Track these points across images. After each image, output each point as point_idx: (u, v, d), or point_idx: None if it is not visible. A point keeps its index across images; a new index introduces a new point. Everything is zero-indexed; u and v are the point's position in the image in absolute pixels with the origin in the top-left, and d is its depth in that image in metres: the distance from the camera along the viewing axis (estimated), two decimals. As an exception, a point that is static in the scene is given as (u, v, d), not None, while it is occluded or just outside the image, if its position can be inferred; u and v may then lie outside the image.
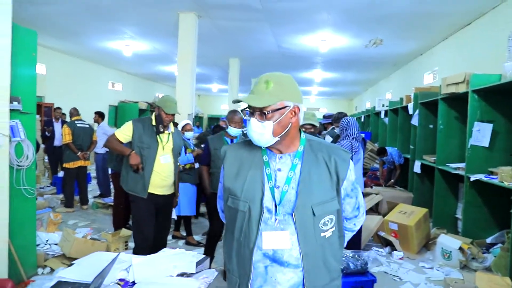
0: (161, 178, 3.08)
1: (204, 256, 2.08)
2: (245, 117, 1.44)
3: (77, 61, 11.54)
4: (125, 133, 3.10)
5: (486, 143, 4.27)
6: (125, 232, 4.31)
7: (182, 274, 1.88)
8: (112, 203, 6.05)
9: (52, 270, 3.58)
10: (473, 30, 6.54)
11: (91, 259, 2.18)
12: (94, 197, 6.89)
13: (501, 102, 4.26)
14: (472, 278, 3.39)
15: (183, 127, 4.80)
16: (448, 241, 4.11)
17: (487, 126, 4.28)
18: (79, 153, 6.00)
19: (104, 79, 13.32)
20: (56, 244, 4.05)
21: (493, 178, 3.97)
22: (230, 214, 1.41)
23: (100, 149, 6.57)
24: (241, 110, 1.39)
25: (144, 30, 8.31)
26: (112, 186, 6.15)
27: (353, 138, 3.80)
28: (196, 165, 4.75)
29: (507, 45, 4.23)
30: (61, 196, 6.53)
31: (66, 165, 6.06)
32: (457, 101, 5.05)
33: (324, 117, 5.42)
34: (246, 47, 9.55)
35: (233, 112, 3.52)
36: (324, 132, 5.37)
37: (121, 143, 3.10)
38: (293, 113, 1.35)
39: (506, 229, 4.06)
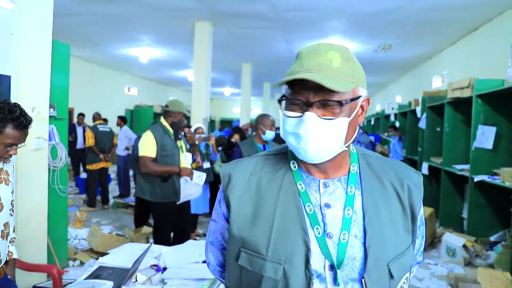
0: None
1: (225, 246, 2.35)
2: (283, 112, 0.87)
3: (95, 67, 12.00)
4: (152, 147, 3.11)
5: (489, 146, 4.46)
6: (146, 229, 4.62)
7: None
8: (133, 203, 6.40)
9: (82, 262, 3.90)
10: (481, 35, 6.71)
11: (125, 249, 2.47)
12: (114, 197, 7.23)
13: (504, 106, 4.44)
14: (474, 274, 3.58)
15: (195, 130, 5.06)
16: (453, 239, 4.31)
17: (491, 129, 4.47)
18: (101, 155, 6.34)
19: (120, 84, 13.78)
20: (84, 239, 4.38)
21: (496, 179, 4.16)
22: (245, 280, 0.88)
23: (121, 151, 6.92)
24: (279, 101, 0.85)
25: (160, 38, 8.68)
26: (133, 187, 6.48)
27: (358, 142, 3.99)
28: (205, 165, 5.00)
29: (510, 51, 4.42)
30: (83, 196, 6.89)
31: (89, 166, 6.41)
32: (462, 105, 5.24)
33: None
34: (258, 53, 9.86)
35: (264, 115, 3.53)
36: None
37: (154, 159, 3.13)
38: (362, 109, 0.89)
39: (508, 228, 4.24)
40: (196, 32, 7.06)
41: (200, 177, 3.35)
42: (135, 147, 5.16)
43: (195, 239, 5.12)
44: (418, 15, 6.30)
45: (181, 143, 3.39)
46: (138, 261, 1.98)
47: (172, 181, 3.18)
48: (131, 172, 7.43)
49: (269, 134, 3.46)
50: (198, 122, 6.28)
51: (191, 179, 3.25)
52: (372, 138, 7.88)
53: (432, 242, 4.76)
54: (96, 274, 1.97)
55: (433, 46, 8.26)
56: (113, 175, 8.75)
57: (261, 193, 0.89)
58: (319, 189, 0.88)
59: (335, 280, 0.82)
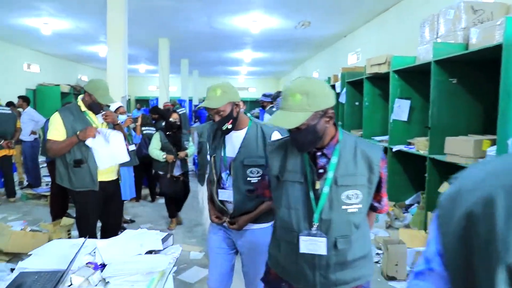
0: None
1: (167, 233, 2.18)
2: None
3: (-16, 40, 10.35)
4: (57, 129, 2.81)
5: (405, 118, 4.83)
6: (66, 220, 4.17)
7: (150, 252, 1.97)
8: (44, 193, 5.76)
9: (-11, 267, 3.40)
10: (392, 14, 7.16)
11: (49, 248, 2.16)
12: (22, 188, 6.44)
13: (416, 81, 4.82)
14: (397, 235, 3.91)
15: (116, 110, 4.66)
16: (375, 206, 4.63)
17: (406, 102, 4.83)
18: (2, 142, 5.54)
19: (18, 60, 12.11)
20: (-12, 240, 3.80)
21: (411, 148, 4.54)
22: None
23: (27, 136, 6.13)
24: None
25: (66, 7, 7.72)
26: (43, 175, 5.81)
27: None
28: (131, 147, 4.65)
29: (420, 31, 4.76)
30: (-18, 189, 6.01)
31: (-13, 155, 5.57)
32: (380, 80, 5.57)
33: (264, 95, 5.62)
34: (176, 27, 9.35)
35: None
36: (262, 110, 5.58)
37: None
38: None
39: (421, 191, 4.68)
40: (109, 2, 6.41)
41: (108, 135, 2.89)
42: (45, 131, 4.61)
43: (127, 222, 4.82)
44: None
45: (97, 124, 3.01)
46: (73, 260, 1.74)
47: (86, 166, 2.83)
48: (41, 159, 6.65)
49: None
50: (116, 101, 5.77)
51: (81, 162, 2.81)
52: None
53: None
54: (18, 284, 1.67)
55: (348, 24, 8.63)
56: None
57: None
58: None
59: None
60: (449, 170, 3.89)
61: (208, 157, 2.14)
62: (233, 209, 2.02)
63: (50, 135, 2.82)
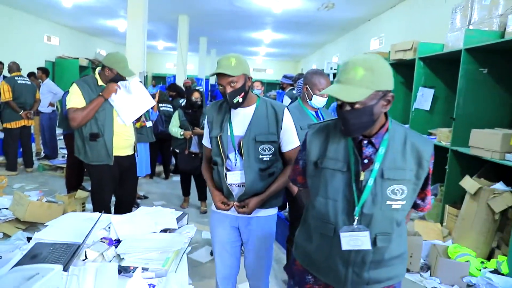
0: (124, 139, 2.95)
1: (182, 212, 2.16)
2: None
3: (6, 9, 10.39)
4: (78, 98, 2.78)
5: (427, 107, 4.67)
6: (81, 193, 4.22)
7: (165, 230, 1.95)
8: (61, 165, 5.84)
9: (6, 235, 3.46)
10: (418, 0, 6.88)
11: (64, 220, 2.16)
12: (39, 159, 6.55)
13: (442, 69, 4.63)
14: (412, 226, 3.83)
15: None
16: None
17: (429, 91, 4.67)
18: (21, 112, 5.60)
19: (38, 32, 12.17)
20: (6, 209, 3.87)
21: (432, 139, 4.40)
22: None
23: (45, 107, 6.18)
24: None
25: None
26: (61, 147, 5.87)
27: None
28: (148, 124, 4.65)
29: (450, 17, 4.56)
30: (1, 158, 6.12)
31: (7, 125, 5.63)
32: (403, 67, 5.39)
33: (285, 77, 5.48)
34: (196, 4, 9.21)
35: (316, 73, 2.54)
36: (282, 92, 5.46)
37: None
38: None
39: (439, 183, 4.57)
40: (130, -25, 6.32)
41: (128, 86, 2.90)
42: (63, 104, 4.62)
43: (140, 198, 4.87)
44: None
45: None
46: (88, 234, 1.73)
47: (102, 140, 2.82)
48: (58, 131, 6.73)
49: (318, 101, 2.50)
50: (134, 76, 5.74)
51: (98, 136, 2.80)
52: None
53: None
54: (34, 254, 1.66)
55: (373, 8, 8.35)
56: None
57: None
58: None
59: None
60: (471, 163, 3.77)
61: (207, 139, 2.04)
62: (244, 191, 1.91)
63: (71, 104, 2.79)
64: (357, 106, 1.23)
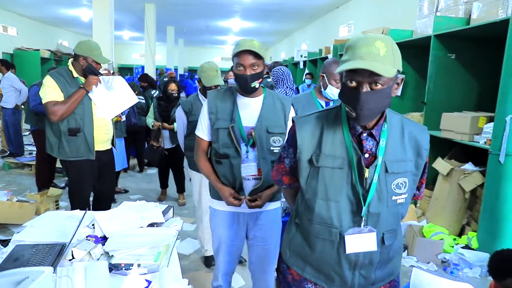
0: (103, 133, 2.85)
1: (167, 206, 2.12)
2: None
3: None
4: (54, 91, 2.64)
5: (399, 93, 4.78)
6: (53, 191, 4.07)
7: (152, 225, 1.92)
8: (28, 162, 5.59)
9: (-25, 237, 3.29)
10: (386, -14, 7.02)
11: (44, 220, 2.08)
12: (3, 157, 6.24)
13: (412, 55, 4.76)
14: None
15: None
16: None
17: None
18: (-18, 109, 5.30)
19: (-7, 22, 11.50)
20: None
21: (404, 123, 4.54)
22: None
23: (8, 103, 5.87)
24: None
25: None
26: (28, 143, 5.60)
27: (287, 87, 3.95)
28: (123, 118, 4.54)
29: (418, 4, 4.67)
30: (-38, 157, 5.79)
31: (-33, 122, 5.32)
32: (374, 54, 5.49)
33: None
34: (164, -8, 8.99)
35: (338, 63, 2.36)
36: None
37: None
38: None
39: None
40: (93, -38, 6.06)
41: (110, 82, 2.83)
42: (30, 99, 4.40)
43: (121, 192, 4.78)
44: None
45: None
46: (75, 233, 1.67)
47: (82, 135, 2.72)
48: (24, 127, 6.42)
49: (333, 91, 2.38)
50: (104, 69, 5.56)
51: (78, 131, 2.70)
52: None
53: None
54: (16, 257, 1.59)
55: (341, -6, 8.45)
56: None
57: None
58: None
59: None
60: (443, 146, 3.93)
61: (206, 130, 1.93)
62: (261, 183, 1.85)
63: (49, 97, 2.62)
64: (378, 86, 1.09)
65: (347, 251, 1.20)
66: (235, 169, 1.84)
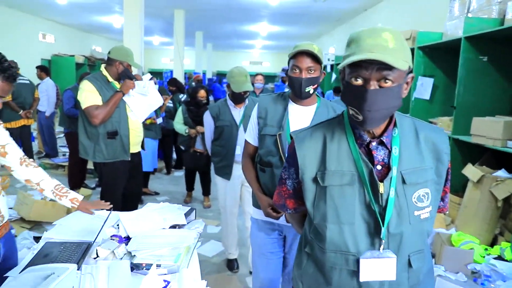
0: (136, 135, 2.95)
1: (190, 208, 2.17)
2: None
3: (0, 8, 10.29)
4: (94, 95, 2.74)
5: (427, 96, 4.68)
6: (84, 191, 4.23)
7: (174, 226, 1.96)
8: (62, 163, 5.84)
9: (12, 234, 3.47)
10: (416, -13, 6.86)
11: (72, 219, 2.17)
12: (39, 157, 6.54)
13: (441, 58, 4.62)
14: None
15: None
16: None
17: (429, 81, 4.67)
18: (21, 112, 5.57)
19: (34, 29, 12.08)
20: (11, 208, 3.88)
21: (433, 128, 4.41)
22: None
23: (44, 106, 6.15)
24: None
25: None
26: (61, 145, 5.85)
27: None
28: (158, 120, 4.68)
29: (448, 5, 4.55)
30: (1, 158, 6.10)
31: (6, 125, 5.59)
32: (402, 57, 5.37)
33: (283, 70, 5.50)
34: (192, -2, 9.17)
35: None
36: (282, 84, 5.45)
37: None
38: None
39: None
40: (125, -29, 6.27)
41: (144, 87, 2.93)
42: (63, 102, 4.61)
43: (151, 194, 4.89)
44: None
45: None
46: (99, 232, 1.74)
47: (119, 137, 2.83)
48: (57, 129, 6.71)
49: None
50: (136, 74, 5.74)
51: (116, 134, 2.83)
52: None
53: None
54: (45, 254, 1.68)
55: (370, -3, 8.34)
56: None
57: None
58: None
59: None
60: (472, 151, 3.79)
61: (254, 135, 1.87)
62: None
63: (90, 101, 2.72)
64: (388, 83, 0.96)
65: (361, 279, 1.04)
66: (277, 179, 1.64)
